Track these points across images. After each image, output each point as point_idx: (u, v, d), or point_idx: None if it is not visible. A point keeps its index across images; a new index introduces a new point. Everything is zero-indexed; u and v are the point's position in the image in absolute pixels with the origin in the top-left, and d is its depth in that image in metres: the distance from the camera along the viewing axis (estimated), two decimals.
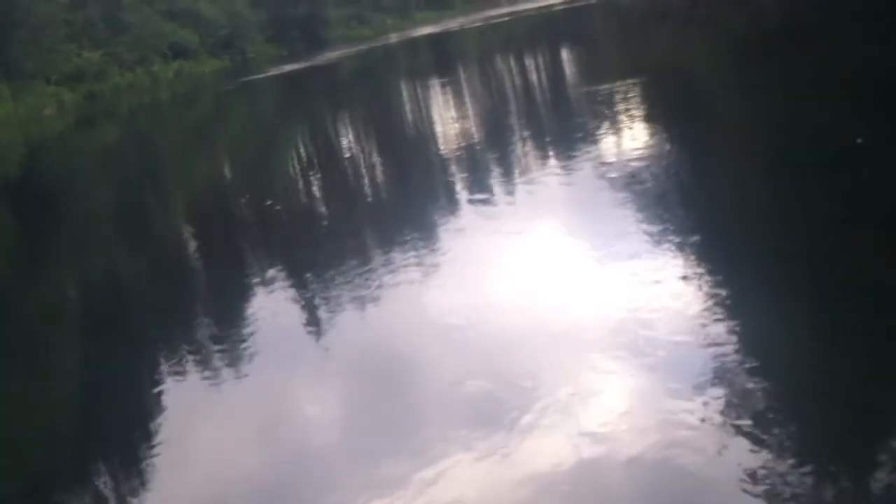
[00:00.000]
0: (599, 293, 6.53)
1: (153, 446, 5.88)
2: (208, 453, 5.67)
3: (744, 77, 14.21)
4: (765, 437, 4.31)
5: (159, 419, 6.34)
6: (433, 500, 4.48)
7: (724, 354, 5.12)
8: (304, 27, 63.23)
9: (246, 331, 7.58)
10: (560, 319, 6.24)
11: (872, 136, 8.38)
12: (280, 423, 5.84)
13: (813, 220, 7.14)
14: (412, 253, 8.63)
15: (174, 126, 31.24)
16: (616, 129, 12.65)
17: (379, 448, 5.09)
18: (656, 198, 8.64)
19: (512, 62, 29.48)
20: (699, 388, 4.82)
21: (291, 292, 8.54)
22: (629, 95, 15.02)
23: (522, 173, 11.34)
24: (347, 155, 17.11)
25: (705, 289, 6.21)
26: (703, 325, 5.54)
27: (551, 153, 12.38)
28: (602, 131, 12.69)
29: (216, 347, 7.44)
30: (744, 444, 4.28)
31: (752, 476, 4.05)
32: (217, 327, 8.10)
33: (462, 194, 11.02)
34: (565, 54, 28.03)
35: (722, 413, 4.57)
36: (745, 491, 3.98)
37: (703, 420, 4.53)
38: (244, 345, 7.27)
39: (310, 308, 7.94)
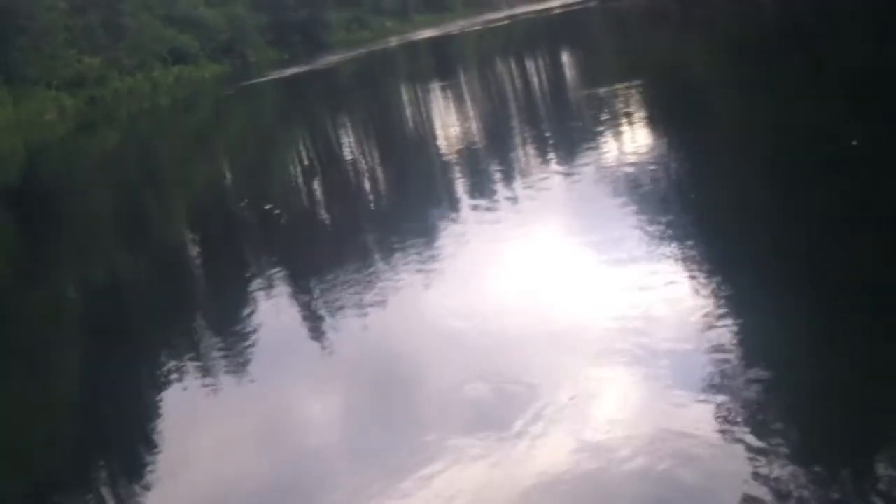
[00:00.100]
0: (600, 297, 6.53)
1: (154, 449, 5.89)
2: (209, 457, 5.68)
3: (741, 79, 14.22)
4: (766, 439, 4.31)
5: (161, 422, 6.35)
6: None
7: (725, 357, 5.13)
8: (304, 31, 63.20)
9: (245, 335, 7.58)
10: (560, 323, 6.24)
11: (868, 137, 8.42)
12: (281, 426, 5.84)
13: (811, 222, 7.14)
14: (412, 256, 8.64)
15: (174, 131, 31.23)
16: (615, 132, 12.65)
17: (379, 452, 5.09)
18: (655, 200, 8.65)
19: (512, 65, 29.49)
20: (700, 392, 4.82)
21: (291, 296, 8.55)
22: (628, 98, 15.03)
23: (523, 176, 11.34)
24: (348, 158, 17.10)
25: (706, 292, 6.22)
26: (704, 328, 5.54)
27: (552, 156, 12.39)
28: (602, 134, 12.69)
29: (216, 351, 7.43)
30: (745, 447, 4.28)
31: (755, 480, 4.04)
32: (217, 331, 8.09)
33: (462, 197, 11.02)
34: (565, 57, 28.03)
35: (723, 416, 4.57)
36: (746, 494, 3.98)
37: (704, 423, 4.53)
38: (244, 349, 7.27)
39: (309, 312, 7.95)
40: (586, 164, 10.84)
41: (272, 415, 6.06)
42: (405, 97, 26.98)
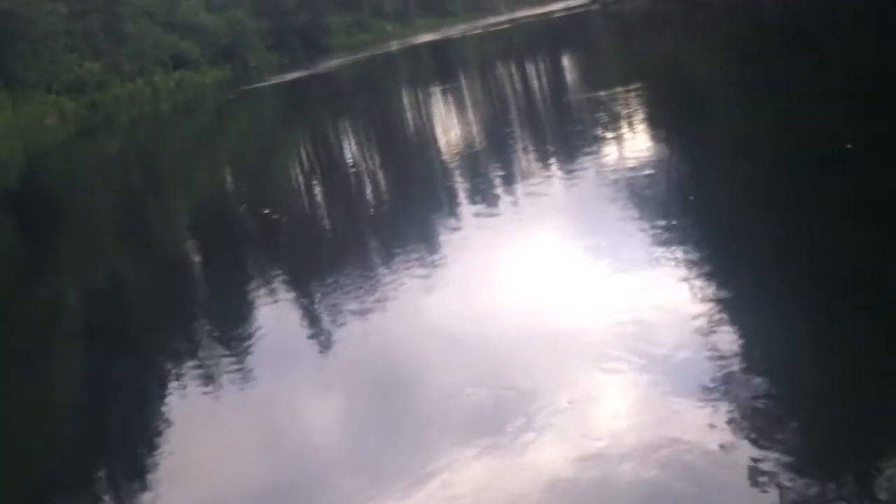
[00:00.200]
0: (599, 300, 6.51)
1: (154, 454, 5.85)
2: (210, 459, 5.65)
3: (743, 82, 14.24)
4: (766, 443, 4.27)
5: (161, 426, 6.31)
6: None
7: (724, 361, 5.09)
8: (304, 35, 63.32)
9: (244, 340, 7.56)
10: (560, 327, 6.21)
11: (863, 140, 8.47)
12: (282, 432, 5.81)
13: (807, 225, 7.17)
14: (412, 261, 8.62)
15: (175, 136, 31.28)
16: (616, 135, 12.66)
17: (378, 455, 5.06)
18: (654, 203, 8.66)
19: (513, 68, 29.52)
20: (699, 395, 4.78)
21: (290, 301, 8.54)
22: (628, 101, 15.03)
23: (523, 179, 11.35)
24: (349, 163, 17.11)
25: (704, 295, 6.19)
26: (703, 331, 5.52)
27: (552, 159, 12.38)
28: (602, 137, 12.71)
29: (216, 354, 7.41)
30: (745, 452, 4.24)
31: (754, 486, 4.01)
32: (216, 335, 8.09)
33: (463, 201, 11.02)
34: (566, 60, 28.08)
35: (723, 420, 4.53)
36: (746, 500, 3.94)
37: (703, 427, 4.49)
38: (243, 354, 7.24)
39: (308, 316, 7.94)
40: (586, 168, 10.85)
41: (271, 419, 6.03)
42: (406, 101, 27.01)
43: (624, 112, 14.06)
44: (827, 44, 15.30)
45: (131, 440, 6.26)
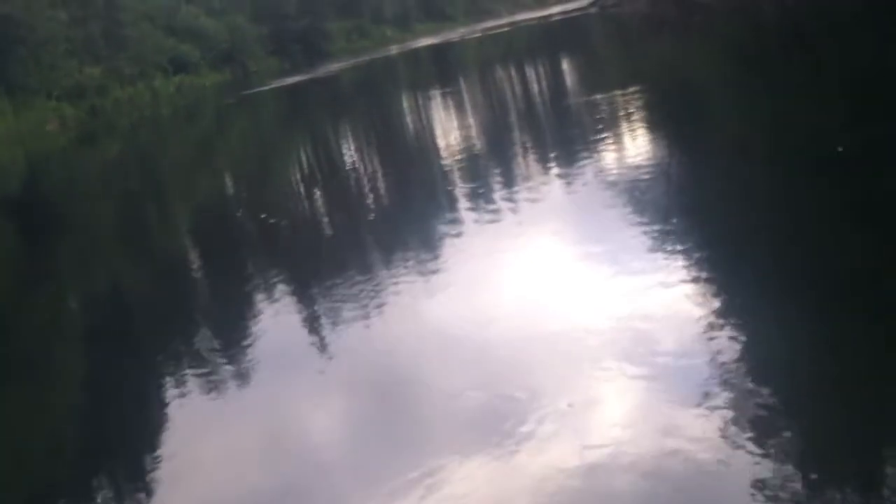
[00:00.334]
0: (599, 303, 6.51)
1: (154, 458, 5.85)
2: (210, 463, 5.65)
3: (741, 85, 14.24)
4: (767, 446, 4.28)
5: (162, 430, 6.31)
6: None
7: (724, 363, 5.09)
8: (305, 40, 63.37)
9: (244, 344, 7.55)
10: (559, 329, 6.20)
11: (855, 143, 8.48)
12: (281, 434, 5.81)
13: (806, 227, 7.17)
14: (411, 264, 8.62)
15: (175, 140, 31.29)
16: (614, 138, 12.66)
17: (377, 458, 5.07)
18: (654, 206, 8.64)
19: (512, 72, 29.53)
20: (699, 398, 4.78)
21: (290, 304, 8.51)
22: (626, 104, 15.04)
23: (523, 183, 11.34)
24: (349, 167, 17.11)
25: (704, 297, 6.19)
26: (703, 334, 5.52)
27: (552, 162, 12.39)
28: (601, 140, 12.69)
29: (216, 359, 7.41)
30: (745, 454, 4.25)
31: (754, 487, 4.00)
32: (216, 339, 8.09)
33: (462, 205, 10.99)
34: (565, 64, 28.08)
35: (723, 422, 4.53)
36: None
37: (704, 429, 4.50)
38: (243, 358, 7.24)
39: (307, 320, 7.92)
40: (585, 171, 10.86)
41: (270, 421, 6.03)
42: (406, 105, 27.02)
43: (622, 115, 14.07)
44: (825, 45, 15.31)
45: (132, 443, 6.27)
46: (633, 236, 7.74)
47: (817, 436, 4.44)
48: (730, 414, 4.59)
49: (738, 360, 5.13)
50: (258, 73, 55.45)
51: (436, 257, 8.75)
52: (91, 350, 8.75)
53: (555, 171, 11.64)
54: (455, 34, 57.70)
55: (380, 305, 7.63)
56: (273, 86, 42.91)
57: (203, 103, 44.71)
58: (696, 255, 7.09)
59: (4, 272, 13.58)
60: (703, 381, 4.95)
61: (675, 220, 8.08)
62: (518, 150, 14.31)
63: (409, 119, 23.49)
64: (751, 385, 4.87)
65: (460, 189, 12.17)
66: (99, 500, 5.69)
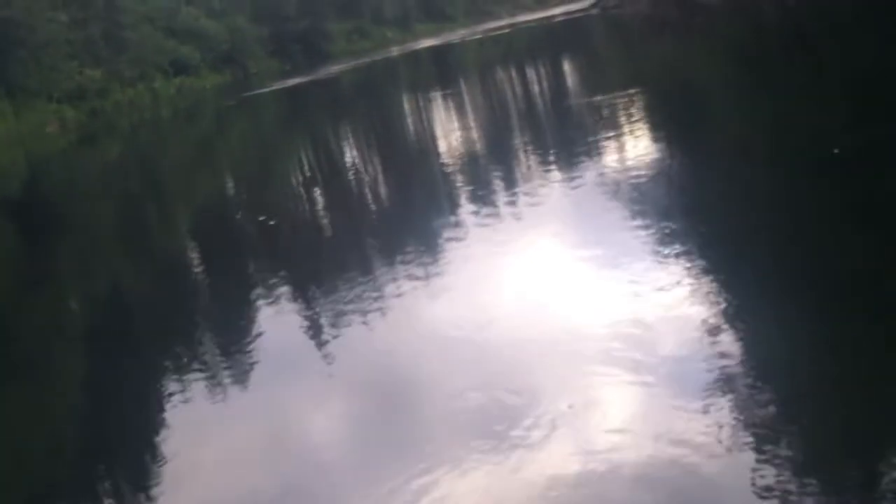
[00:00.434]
0: (599, 304, 6.50)
1: (155, 460, 5.85)
2: (211, 464, 5.65)
3: (742, 85, 14.25)
4: (767, 448, 4.28)
5: (162, 430, 6.31)
6: None
7: (724, 364, 5.09)
8: (305, 41, 63.44)
9: (244, 345, 7.55)
10: (559, 331, 6.21)
11: (862, 143, 8.50)
12: (282, 435, 5.81)
13: (806, 228, 7.18)
14: (411, 266, 8.61)
15: (175, 142, 31.30)
16: (615, 139, 12.65)
17: (378, 459, 5.07)
18: (655, 207, 8.65)
19: (513, 73, 29.53)
20: (699, 399, 4.78)
21: (291, 305, 8.52)
22: (628, 105, 15.04)
23: (523, 184, 11.34)
24: (349, 168, 17.11)
25: (704, 298, 6.18)
26: (703, 335, 5.52)
27: (552, 164, 12.39)
28: (601, 141, 12.69)
29: (217, 360, 7.41)
30: (746, 456, 4.25)
31: (754, 489, 4.01)
32: (217, 340, 8.08)
33: (463, 206, 10.99)
34: (566, 65, 28.09)
35: (723, 424, 4.53)
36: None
37: (704, 431, 4.49)
38: (244, 359, 7.24)
39: (307, 321, 7.91)
40: (586, 172, 10.85)
41: (271, 422, 6.03)
42: (406, 106, 27.02)
43: (623, 116, 14.07)
44: (826, 46, 15.32)
45: (132, 443, 6.27)
46: (634, 237, 7.75)
47: (818, 437, 4.43)
48: (730, 414, 4.59)
49: (738, 361, 5.13)
50: (258, 74, 55.49)
51: (436, 259, 8.74)
52: (91, 350, 8.76)
53: (555, 172, 11.64)
54: (455, 35, 57.74)
55: (380, 306, 7.63)
56: (273, 87, 42.94)
57: (203, 105, 44.73)
58: (697, 256, 7.08)
59: (5, 272, 13.59)
60: (704, 381, 4.94)
61: (675, 221, 8.09)
62: (519, 151, 14.30)
63: (409, 121, 23.49)
64: (752, 385, 4.86)
65: (461, 191, 12.16)
66: (99, 501, 5.69)
